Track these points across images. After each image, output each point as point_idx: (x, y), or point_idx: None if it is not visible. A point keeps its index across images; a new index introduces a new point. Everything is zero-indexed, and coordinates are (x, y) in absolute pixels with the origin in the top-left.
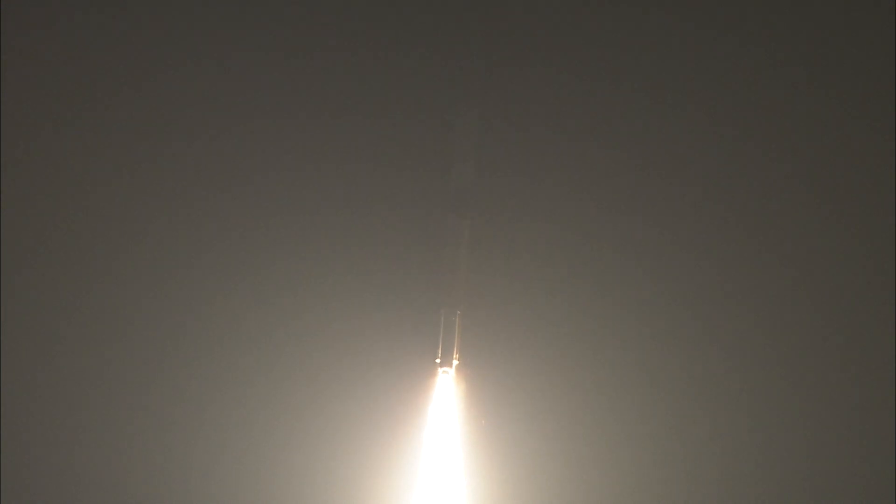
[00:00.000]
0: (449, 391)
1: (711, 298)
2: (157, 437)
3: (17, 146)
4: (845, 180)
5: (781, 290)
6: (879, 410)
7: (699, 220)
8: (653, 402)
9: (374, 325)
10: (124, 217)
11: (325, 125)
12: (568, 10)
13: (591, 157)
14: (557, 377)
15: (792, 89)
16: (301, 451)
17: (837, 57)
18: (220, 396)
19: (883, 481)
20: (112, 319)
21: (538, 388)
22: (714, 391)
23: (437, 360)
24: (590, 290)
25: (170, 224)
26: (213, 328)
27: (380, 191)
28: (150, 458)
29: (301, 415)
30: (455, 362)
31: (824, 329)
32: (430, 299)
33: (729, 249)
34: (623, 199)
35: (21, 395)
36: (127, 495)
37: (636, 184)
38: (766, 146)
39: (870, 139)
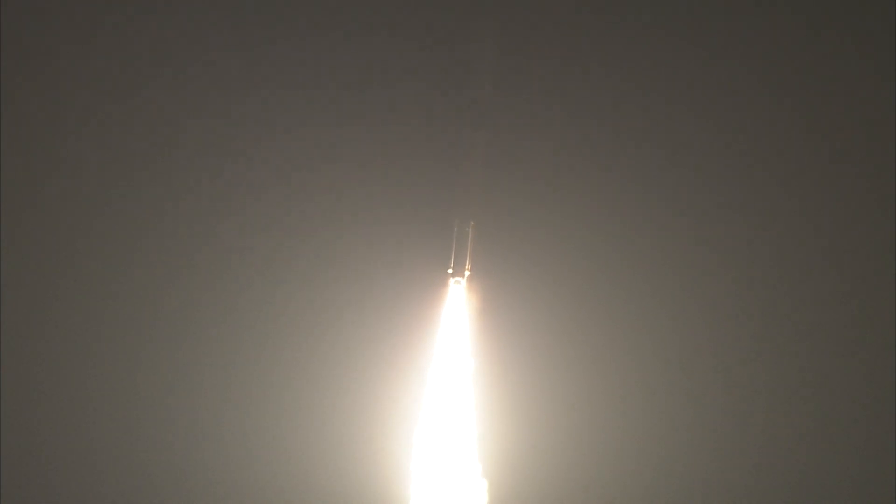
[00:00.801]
0: (460, 300)
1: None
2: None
3: (18, 146)
4: (845, 180)
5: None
6: (880, 410)
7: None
8: (664, 325)
9: (390, 235)
10: (127, 213)
11: (345, 37)
12: None
13: (609, 83)
14: (566, 290)
15: (793, 90)
16: (315, 359)
17: (837, 57)
18: (241, 315)
19: (883, 481)
20: (111, 310)
21: (547, 300)
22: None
23: (450, 270)
24: (601, 207)
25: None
26: (229, 241)
27: (398, 104)
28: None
29: (316, 320)
30: (467, 273)
31: (828, 326)
32: (444, 210)
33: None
34: (636, 131)
35: (21, 395)
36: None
37: (652, 115)
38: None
39: (870, 140)
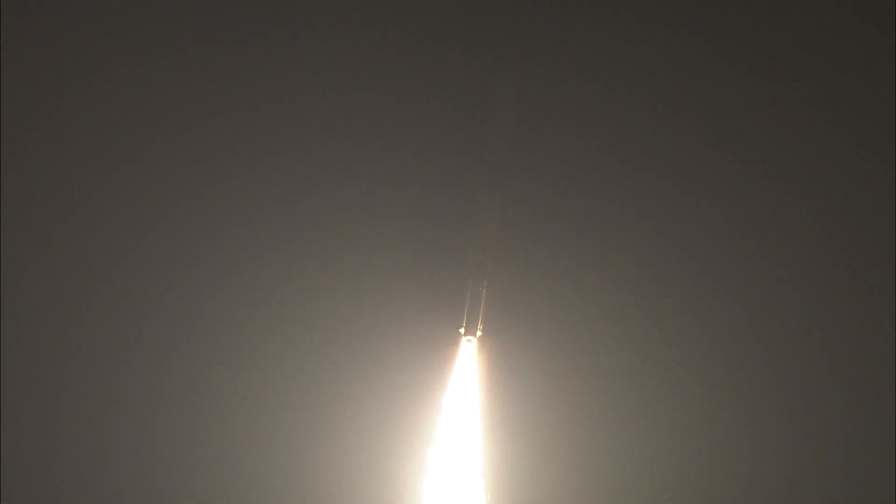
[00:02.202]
0: (471, 359)
1: (741, 297)
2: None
3: (17, 146)
4: (846, 181)
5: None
6: (880, 410)
7: (737, 224)
8: (675, 384)
9: (404, 294)
10: (130, 213)
11: (362, 95)
12: None
13: (626, 142)
14: (577, 354)
15: (794, 90)
16: (323, 415)
17: (838, 57)
18: (245, 367)
19: (883, 481)
20: (112, 311)
21: (558, 363)
22: (741, 356)
23: (461, 330)
24: (614, 273)
25: (184, 200)
26: (240, 297)
27: (416, 164)
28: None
29: (326, 376)
30: (479, 333)
31: (828, 328)
32: (458, 271)
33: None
34: (652, 185)
35: (21, 396)
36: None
37: (667, 170)
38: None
39: (870, 140)
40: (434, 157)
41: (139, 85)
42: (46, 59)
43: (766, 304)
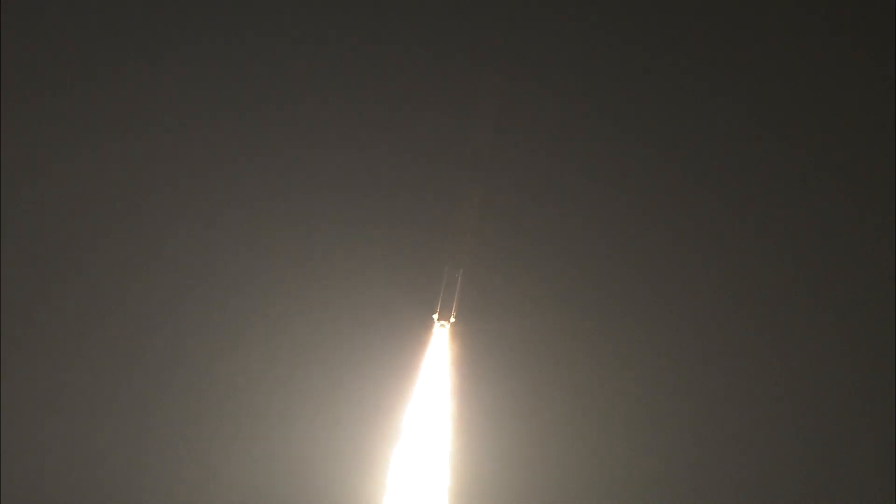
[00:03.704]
0: (443, 344)
1: (712, 288)
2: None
3: (17, 146)
4: (845, 181)
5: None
6: (879, 410)
7: (706, 215)
8: (651, 374)
9: (380, 277)
10: (130, 215)
11: (342, 90)
12: None
13: (602, 133)
14: (550, 342)
15: (795, 90)
16: (294, 398)
17: (838, 58)
18: (216, 353)
19: (883, 481)
20: (107, 310)
21: (530, 351)
22: (709, 349)
23: (435, 316)
24: (589, 263)
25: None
26: (221, 287)
27: (396, 152)
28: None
29: (300, 357)
30: (452, 319)
31: (827, 328)
32: (435, 257)
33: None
34: (631, 180)
35: (21, 396)
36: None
37: (645, 167)
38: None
39: (870, 140)
40: (414, 146)
41: (138, 86)
42: (46, 58)
43: (739, 289)
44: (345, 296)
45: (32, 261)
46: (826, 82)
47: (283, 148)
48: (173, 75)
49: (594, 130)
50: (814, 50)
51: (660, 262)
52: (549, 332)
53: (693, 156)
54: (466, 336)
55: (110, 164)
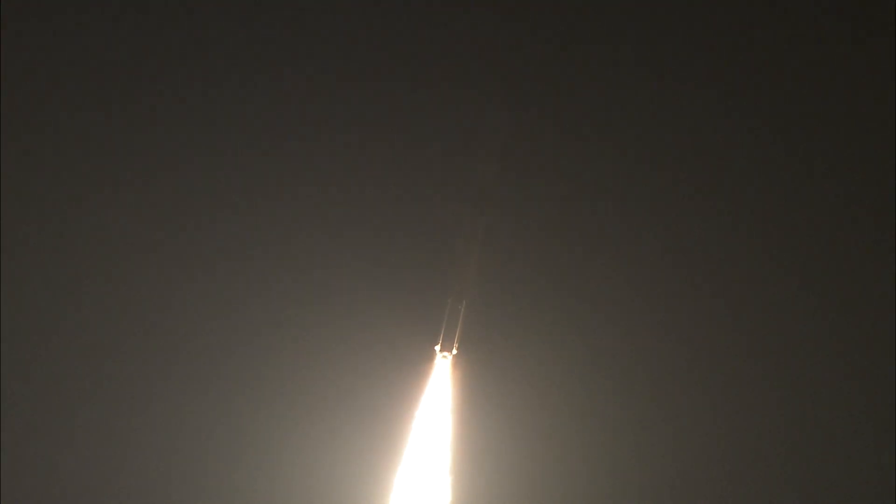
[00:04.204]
0: (445, 377)
1: (710, 298)
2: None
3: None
4: (846, 181)
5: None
6: (879, 410)
7: (700, 224)
8: (653, 403)
9: (383, 309)
10: (128, 216)
11: (345, 110)
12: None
13: (612, 167)
14: (553, 375)
15: (795, 90)
16: (296, 429)
17: (838, 58)
18: (225, 374)
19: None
20: (103, 312)
21: (533, 384)
22: (714, 387)
23: (437, 347)
24: (594, 295)
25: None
26: (216, 311)
27: (399, 179)
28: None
29: (299, 390)
30: (454, 351)
31: (827, 329)
32: (438, 288)
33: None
34: (636, 212)
35: (21, 396)
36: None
37: (647, 191)
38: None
39: (870, 140)
40: (417, 174)
41: (137, 85)
42: (46, 58)
43: (754, 321)
44: (347, 327)
45: (33, 261)
46: (826, 82)
47: (285, 179)
48: (173, 76)
49: (599, 164)
50: (814, 49)
51: (665, 294)
52: (553, 363)
53: (704, 187)
54: (469, 367)
55: (111, 165)
